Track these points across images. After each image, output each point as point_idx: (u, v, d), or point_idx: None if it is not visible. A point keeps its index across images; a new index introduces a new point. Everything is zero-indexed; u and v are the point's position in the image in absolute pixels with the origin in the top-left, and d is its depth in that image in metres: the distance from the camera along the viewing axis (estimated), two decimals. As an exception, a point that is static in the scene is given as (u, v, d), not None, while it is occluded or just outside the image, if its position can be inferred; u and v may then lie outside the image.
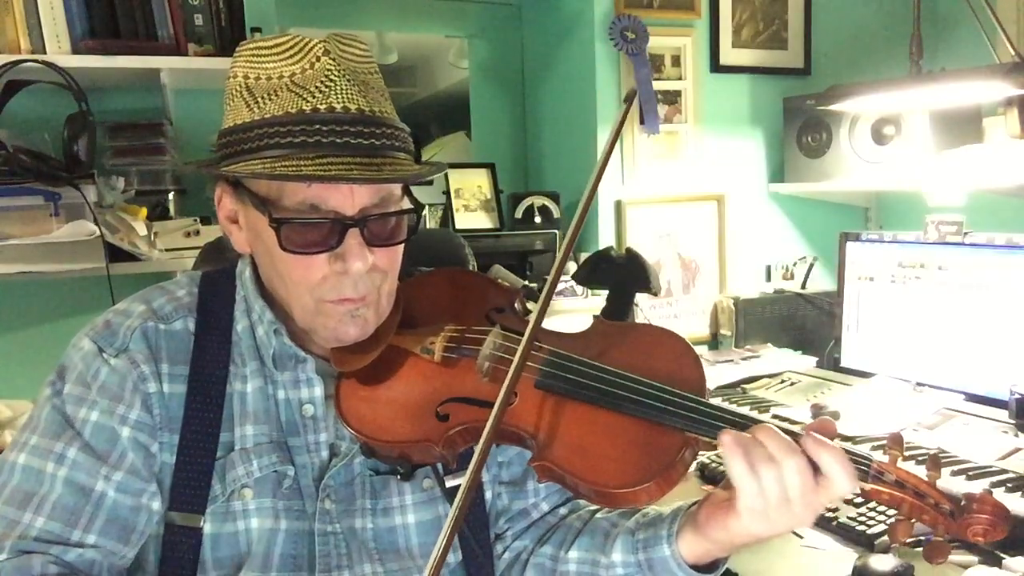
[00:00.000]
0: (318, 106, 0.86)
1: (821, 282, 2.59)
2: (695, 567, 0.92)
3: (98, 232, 1.69)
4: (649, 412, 0.86)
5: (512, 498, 1.06)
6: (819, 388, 2.04)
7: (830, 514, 1.47)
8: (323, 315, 0.93)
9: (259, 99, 0.88)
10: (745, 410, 1.95)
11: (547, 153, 2.77)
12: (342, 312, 0.92)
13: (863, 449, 0.86)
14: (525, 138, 2.87)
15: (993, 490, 0.81)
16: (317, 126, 0.85)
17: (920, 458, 1.55)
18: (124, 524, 0.90)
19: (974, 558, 1.33)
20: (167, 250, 1.85)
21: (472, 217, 2.51)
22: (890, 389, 1.91)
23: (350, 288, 0.91)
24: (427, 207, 2.94)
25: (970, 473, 1.47)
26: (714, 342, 2.56)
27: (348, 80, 0.88)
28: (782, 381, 2.15)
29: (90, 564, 0.88)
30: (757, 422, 0.84)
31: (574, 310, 2.32)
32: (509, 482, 1.07)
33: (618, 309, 2.09)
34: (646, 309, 2.37)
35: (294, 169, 0.84)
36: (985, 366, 1.82)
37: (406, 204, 0.95)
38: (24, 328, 2.00)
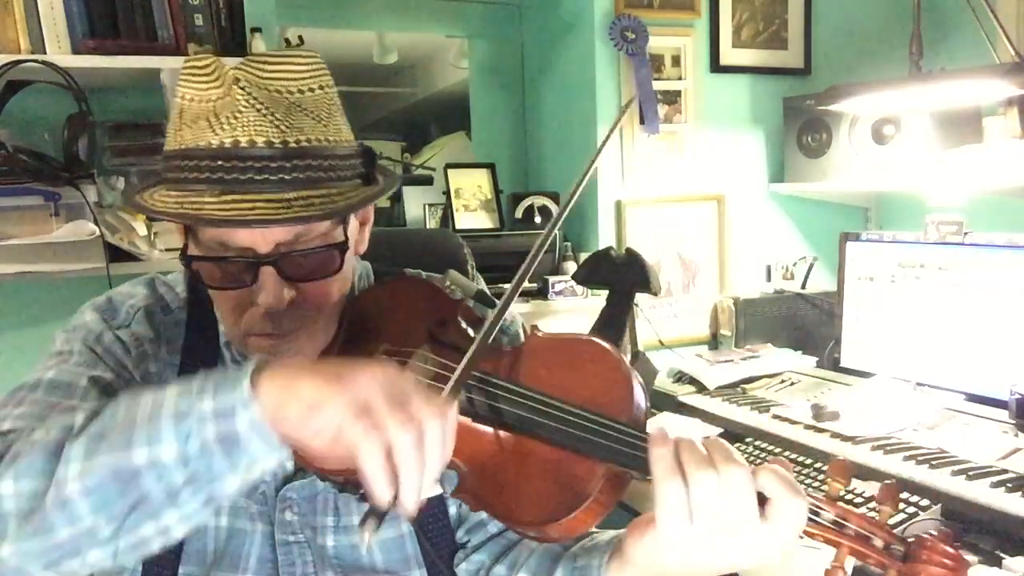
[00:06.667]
0: (224, 140, 0.82)
1: (821, 282, 2.59)
2: None
3: (98, 232, 1.69)
4: (566, 441, 0.77)
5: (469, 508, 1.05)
6: (819, 388, 2.04)
7: (830, 514, 1.47)
8: (250, 348, 0.91)
9: (184, 124, 0.86)
10: (745, 410, 1.96)
11: (547, 153, 2.77)
12: (266, 347, 0.89)
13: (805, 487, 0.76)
14: (525, 138, 2.87)
15: (949, 532, 0.72)
16: (220, 162, 0.82)
17: (913, 454, 1.56)
18: None
19: (974, 558, 1.33)
20: (167, 250, 1.85)
21: (472, 217, 2.51)
22: (890, 389, 1.91)
23: (272, 324, 0.87)
24: (427, 207, 2.94)
25: (970, 473, 1.47)
26: (714, 342, 2.55)
27: (259, 110, 0.83)
28: (782, 381, 2.15)
29: None
30: None
31: (574, 310, 2.32)
32: None
33: (618, 309, 2.09)
34: (646, 309, 2.37)
35: (195, 207, 0.82)
36: (985, 366, 1.82)
37: (339, 235, 0.89)
38: (24, 328, 2.00)
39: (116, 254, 1.74)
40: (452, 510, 1.02)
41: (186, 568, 0.95)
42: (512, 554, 1.00)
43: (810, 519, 0.73)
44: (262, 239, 0.84)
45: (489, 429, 0.83)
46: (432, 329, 0.94)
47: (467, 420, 0.83)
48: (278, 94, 0.85)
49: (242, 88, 0.83)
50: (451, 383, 0.75)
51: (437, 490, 1.00)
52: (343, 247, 0.89)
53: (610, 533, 0.91)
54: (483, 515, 1.02)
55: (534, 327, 0.92)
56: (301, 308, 0.88)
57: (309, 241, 0.86)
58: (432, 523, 1.00)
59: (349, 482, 0.88)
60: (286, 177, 0.82)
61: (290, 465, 0.96)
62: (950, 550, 0.71)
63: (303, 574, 0.96)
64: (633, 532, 0.80)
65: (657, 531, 0.73)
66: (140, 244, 1.79)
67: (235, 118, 0.82)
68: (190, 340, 0.99)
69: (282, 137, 0.83)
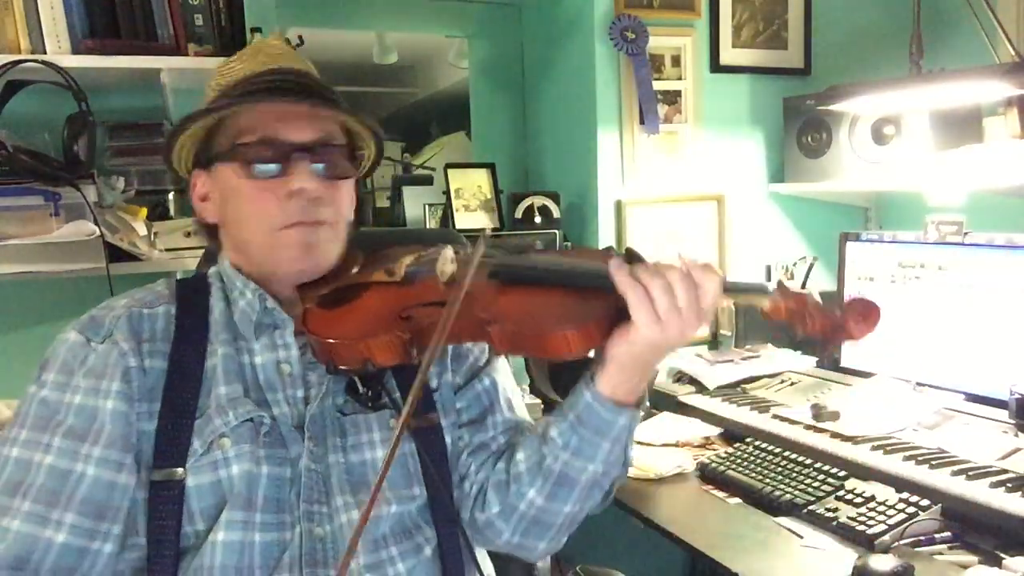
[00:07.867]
0: (271, 66, 1.08)
1: (821, 282, 2.59)
2: (618, 404, 1.00)
3: (98, 232, 1.69)
4: (583, 280, 1.01)
5: (472, 434, 1.15)
6: (819, 388, 2.04)
7: (830, 514, 1.47)
8: (278, 247, 1.06)
9: (223, 85, 1.09)
10: (745, 410, 1.96)
11: (547, 153, 2.77)
12: (295, 238, 1.05)
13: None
14: (525, 138, 2.87)
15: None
16: (265, 77, 1.06)
17: (913, 454, 1.56)
18: (100, 501, 0.97)
19: (974, 558, 1.34)
20: (167, 250, 1.85)
21: (472, 217, 2.51)
22: (890, 389, 1.91)
23: (299, 212, 1.04)
24: (427, 207, 2.94)
25: (970, 473, 1.47)
26: (714, 342, 2.55)
27: (293, 53, 1.12)
28: (782, 381, 2.15)
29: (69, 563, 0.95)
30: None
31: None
32: (468, 422, 1.16)
33: (618, 309, 2.09)
34: (646, 309, 2.37)
35: (255, 100, 1.04)
36: (985, 366, 1.82)
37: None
38: (24, 328, 2.00)
39: (116, 254, 1.74)
40: (448, 439, 1.13)
41: (190, 526, 0.99)
42: (507, 452, 1.13)
43: (775, 295, 0.98)
44: (299, 135, 1.05)
45: (521, 286, 1.04)
46: None
47: (496, 283, 1.04)
48: (300, 58, 1.14)
49: (281, 43, 1.14)
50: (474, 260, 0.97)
51: (435, 420, 1.13)
52: (354, 154, 1.14)
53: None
54: (487, 437, 1.16)
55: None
56: (326, 201, 1.06)
57: (331, 143, 1.08)
58: (432, 447, 1.11)
59: (367, 357, 1.02)
60: (321, 91, 1.08)
61: (303, 406, 1.07)
62: (862, 299, 0.95)
63: (317, 500, 1.03)
64: (614, 337, 0.97)
65: (634, 327, 0.93)
66: (140, 244, 1.79)
67: (275, 55, 1.10)
68: (182, 323, 1.08)
69: (312, 73, 1.11)
